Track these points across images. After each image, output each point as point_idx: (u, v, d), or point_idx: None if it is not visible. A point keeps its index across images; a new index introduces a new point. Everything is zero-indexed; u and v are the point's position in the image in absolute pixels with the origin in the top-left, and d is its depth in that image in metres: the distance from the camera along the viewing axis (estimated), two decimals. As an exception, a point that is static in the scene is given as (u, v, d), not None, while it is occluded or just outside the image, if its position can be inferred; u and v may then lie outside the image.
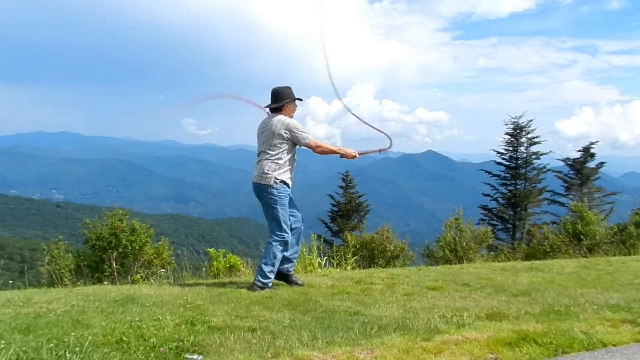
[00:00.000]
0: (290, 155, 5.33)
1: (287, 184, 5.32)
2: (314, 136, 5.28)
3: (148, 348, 3.21)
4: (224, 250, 8.08)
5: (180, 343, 3.33)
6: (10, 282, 7.35)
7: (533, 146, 25.32)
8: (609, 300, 5.05)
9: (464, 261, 11.44)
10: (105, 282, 8.35)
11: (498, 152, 25.83)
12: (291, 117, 5.45)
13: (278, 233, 5.32)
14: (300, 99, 5.52)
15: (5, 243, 71.51)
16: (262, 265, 5.32)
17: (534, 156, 25.17)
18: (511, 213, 24.40)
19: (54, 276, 8.66)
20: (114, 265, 9.86)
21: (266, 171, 5.22)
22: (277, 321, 4.00)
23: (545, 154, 25.38)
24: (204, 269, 7.69)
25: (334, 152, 5.36)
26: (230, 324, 3.82)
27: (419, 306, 4.71)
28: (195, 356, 3.15)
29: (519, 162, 25.23)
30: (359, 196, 24.66)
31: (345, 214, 23.64)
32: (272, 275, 5.35)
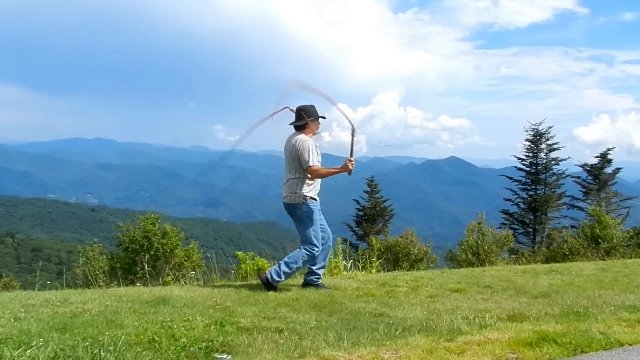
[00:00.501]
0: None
1: (315, 199, 5.44)
2: (317, 162, 5.32)
3: (179, 348, 3.29)
4: (252, 253, 8.17)
5: (210, 343, 3.39)
6: (48, 282, 7.58)
7: (552, 152, 25.48)
8: (625, 302, 5.07)
9: (486, 264, 11.41)
10: (138, 284, 8.53)
11: (519, 158, 26.03)
12: (315, 134, 5.55)
13: (309, 246, 5.43)
14: (323, 117, 5.61)
15: (43, 245, 73.67)
16: (282, 263, 5.43)
17: (553, 162, 25.31)
18: (531, 217, 24.48)
19: (89, 277, 8.89)
20: (146, 268, 10.07)
21: (296, 190, 5.35)
22: (304, 322, 4.05)
23: (564, 159, 25.55)
24: (233, 271, 7.78)
25: (332, 173, 5.39)
26: (258, 325, 3.88)
27: (443, 308, 4.75)
28: (225, 356, 3.20)
29: (539, 167, 25.35)
30: (384, 201, 24.66)
31: (370, 218, 23.65)
32: (284, 277, 5.44)
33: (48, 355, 3.03)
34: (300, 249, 5.46)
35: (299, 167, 5.35)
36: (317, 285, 5.60)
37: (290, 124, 5.55)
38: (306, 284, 5.63)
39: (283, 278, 5.44)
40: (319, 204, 5.51)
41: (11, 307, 4.30)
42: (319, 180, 5.51)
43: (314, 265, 5.58)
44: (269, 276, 5.38)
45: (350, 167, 5.32)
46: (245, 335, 3.62)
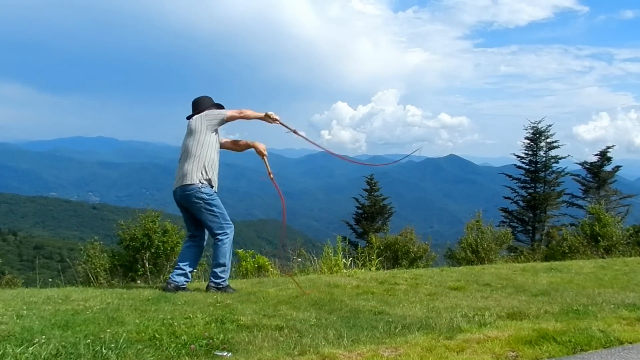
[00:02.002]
0: (210, 156, 5.17)
1: (212, 184, 5.16)
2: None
3: (179, 345, 3.30)
4: (252, 251, 8.19)
5: (210, 341, 3.41)
6: (50, 280, 7.62)
7: (552, 150, 25.54)
8: (625, 300, 5.08)
9: (485, 262, 11.45)
10: (139, 282, 8.57)
11: (518, 156, 26.09)
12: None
13: (220, 232, 5.18)
14: (221, 105, 5.44)
15: (45, 243, 73.86)
16: (213, 271, 5.22)
17: (552, 160, 25.39)
18: (531, 215, 24.56)
19: (90, 275, 8.92)
20: (147, 265, 10.07)
21: (188, 176, 5.07)
22: (304, 320, 4.06)
23: (564, 157, 25.64)
24: (233, 269, 7.83)
25: (257, 117, 5.25)
26: (258, 323, 3.89)
27: (442, 306, 4.76)
28: (225, 353, 3.22)
29: (538, 165, 25.44)
30: (383, 199, 24.70)
31: (369, 216, 23.69)
32: (225, 275, 5.23)
33: (50, 352, 3.04)
34: (215, 244, 5.19)
35: (196, 151, 5.11)
36: (178, 288, 5.18)
37: (187, 118, 5.38)
38: (178, 287, 5.18)
39: (224, 276, 5.23)
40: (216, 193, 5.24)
41: (14, 305, 4.34)
42: (215, 170, 5.23)
43: (228, 245, 5.24)
44: (212, 285, 5.19)
45: (274, 116, 5.27)
46: (246, 333, 3.62)
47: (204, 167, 5.12)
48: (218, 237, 5.20)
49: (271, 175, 5.53)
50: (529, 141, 25.69)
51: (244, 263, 7.84)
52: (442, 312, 4.46)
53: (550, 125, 25.64)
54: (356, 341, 3.53)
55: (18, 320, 3.76)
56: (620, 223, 14.08)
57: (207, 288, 5.22)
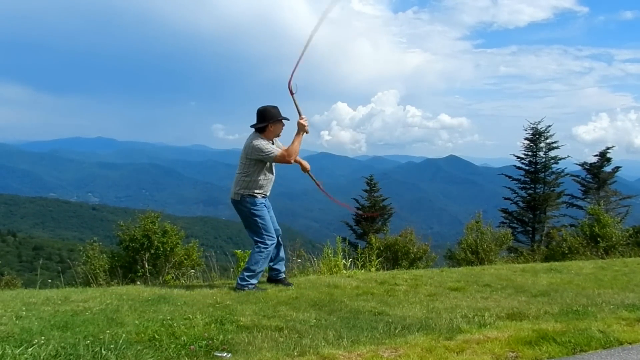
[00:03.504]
0: (260, 172, 5.36)
1: (256, 196, 5.37)
2: (277, 148, 5.30)
3: (179, 346, 3.31)
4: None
5: (210, 341, 3.41)
6: (49, 281, 7.62)
7: (552, 151, 25.59)
8: (625, 300, 5.10)
9: (485, 263, 11.48)
10: (138, 282, 8.56)
11: (518, 157, 26.14)
12: (278, 136, 5.48)
13: (259, 241, 5.39)
14: (287, 119, 5.49)
15: (44, 244, 73.82)
16: (243, 270, 5.47)
17: (552, 161, 25.44)
18: (531, 216, 24.61)
19: (89, 276, 8.91)
20: (146, 266, 10.07)
21: (237, 188, 5.37)
22: (304, 321, 4.07)
23: (564, 158, 25.67)
24: (232, 270, 7.82)
25: (299, 142, 5.34)
26: (258, 323, 3.90)
27: (442, 306, 4.76)
28: (225, 354, 3.23)
29: (538, 166, 25.50)
30: (383, 199, 24.72)
31: (369, 217, 23.69)
32: (252, 280, 5.37)
33: (49, 353, 3.05)
34: (253, 249, 5.44)
35: (243, 165, 5.34)
36: (281, 281, 5.71)
37: (251, 126, 5.43)
38: (271, 279, 5.74)
39: (250, 280, 5.36)
40: (265, 202, 5.46)
41: (13, 306, 4.34)
42: (265, 180, 5.41)
43: (269, 259, 5.56)
44: (237, 285, 5.36)
45: (304, 123, 5.37)
46: (245, 334, 3.63)
47: (252, 181, 5.35)
48: (257, 244, 5.42)
49: (321, 187, 5.91)
50: (528, 142, 25.78)
51: (242, 264, 7.81)
52: (442, 312, 4.47)
53: (549, 126, 25.77)
54: (356, 342, 3.54)
55: (17, 321, 3.76)
56: (620, 224, 14.14)
57: (235, 289, 5.41)
